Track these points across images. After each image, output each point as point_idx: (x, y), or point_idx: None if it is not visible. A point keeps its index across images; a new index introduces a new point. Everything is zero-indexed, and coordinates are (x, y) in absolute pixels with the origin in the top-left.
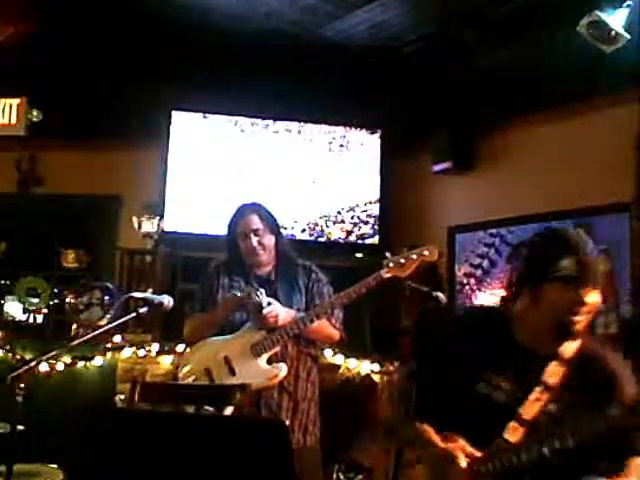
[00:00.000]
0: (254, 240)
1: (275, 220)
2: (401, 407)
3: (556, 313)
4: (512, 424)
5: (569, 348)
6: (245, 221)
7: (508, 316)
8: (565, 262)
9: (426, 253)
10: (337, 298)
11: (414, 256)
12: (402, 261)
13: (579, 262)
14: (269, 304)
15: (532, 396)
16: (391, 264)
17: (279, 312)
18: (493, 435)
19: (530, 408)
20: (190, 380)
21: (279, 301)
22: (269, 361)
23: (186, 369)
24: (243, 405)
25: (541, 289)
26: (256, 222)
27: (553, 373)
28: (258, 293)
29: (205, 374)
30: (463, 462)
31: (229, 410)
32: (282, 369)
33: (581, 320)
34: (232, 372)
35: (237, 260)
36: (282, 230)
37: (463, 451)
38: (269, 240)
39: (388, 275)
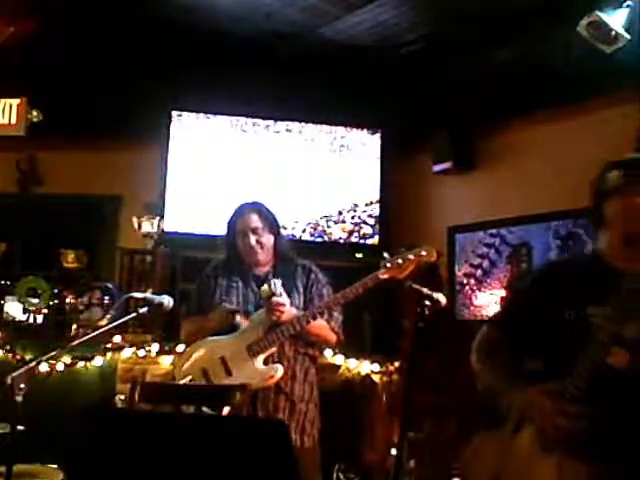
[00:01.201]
0: (252, 239)
1: (275, 220)
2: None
3: (620, 226)
4: (614, 348)
5: None
6: (244, 220)
7: (602, 253)
8: (608, 176)
9: (423, 253)
10: (334, 298)
11: (411, 256)
12: (400, 262)
13: (622, 171)
14: (281, 294)
15: (634, 316)
16: (388, 265)
17: (286, 308)
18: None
19: (632, 328)
20: (187, 380)
21: None
22: (265, 362)
23: (183, 369)
24: (241, 406)
25: (602, 213)
26: (255, 221)
27: None
28: (274, 281)
29: (201, 374)
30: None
31: (226, 410)
32: (278, 370)
33: None
34: (228, 372)
35: (236, 259)
36: (282, 230)
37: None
38: (268, 239)
39: (385, 276)
